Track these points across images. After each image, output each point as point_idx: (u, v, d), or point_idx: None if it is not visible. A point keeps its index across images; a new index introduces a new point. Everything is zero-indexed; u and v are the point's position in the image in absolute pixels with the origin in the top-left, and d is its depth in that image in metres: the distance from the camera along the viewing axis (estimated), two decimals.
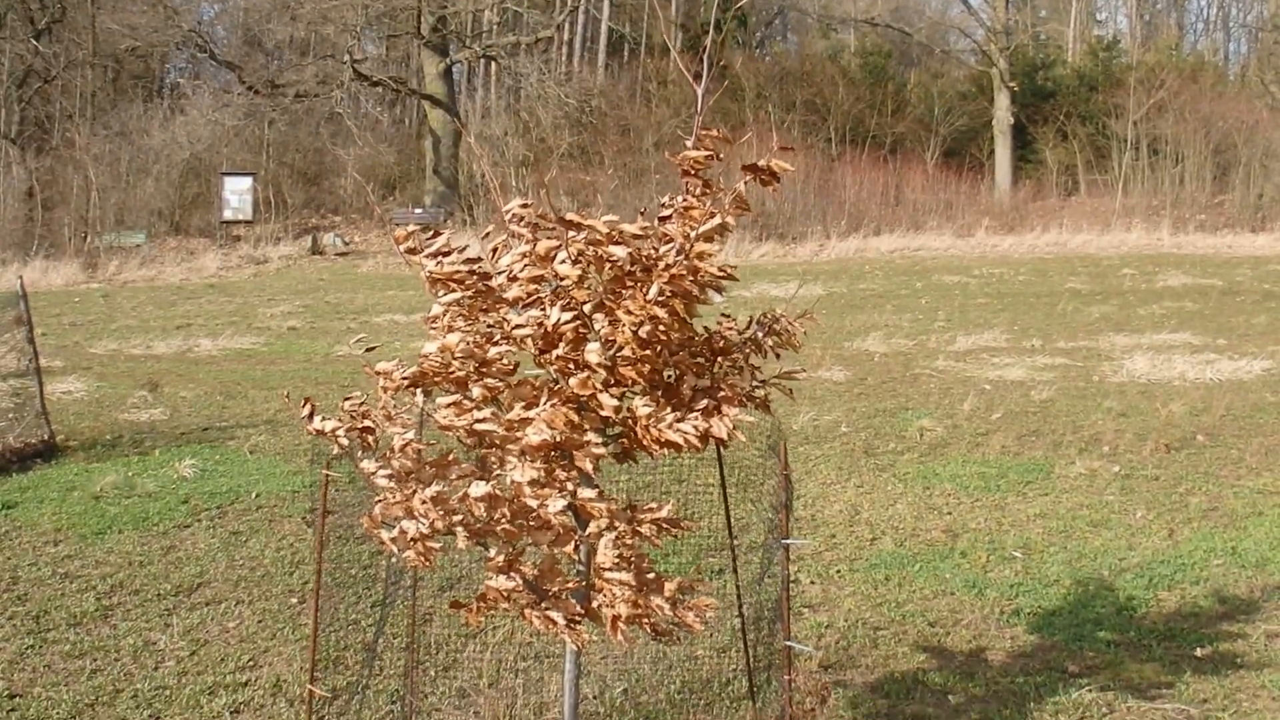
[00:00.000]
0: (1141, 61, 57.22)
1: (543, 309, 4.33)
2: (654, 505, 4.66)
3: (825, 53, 60.30)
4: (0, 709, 6.73)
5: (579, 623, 4.46)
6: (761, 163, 4.40)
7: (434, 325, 4.43)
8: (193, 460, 12.24)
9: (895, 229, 44.37)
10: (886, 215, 45.85)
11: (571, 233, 4.27)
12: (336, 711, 6.61)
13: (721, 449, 5.10)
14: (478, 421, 4.29)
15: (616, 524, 4.48)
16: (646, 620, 4.53)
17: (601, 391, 4.34)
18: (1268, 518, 10.28)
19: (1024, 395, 16.05)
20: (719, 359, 4.71)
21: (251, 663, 7.42)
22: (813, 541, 9.71)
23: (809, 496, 11.05)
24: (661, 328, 4.34)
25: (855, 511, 10.64)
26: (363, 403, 4.53)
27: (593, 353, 4.28)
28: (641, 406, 4.42)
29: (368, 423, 4.48)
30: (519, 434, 4.27)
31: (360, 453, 4.48)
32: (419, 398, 4.49)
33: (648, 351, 4.34)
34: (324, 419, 4.49)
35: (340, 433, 4.45)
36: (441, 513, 4.23)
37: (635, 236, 4.34)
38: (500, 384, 4.38)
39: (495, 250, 4.54)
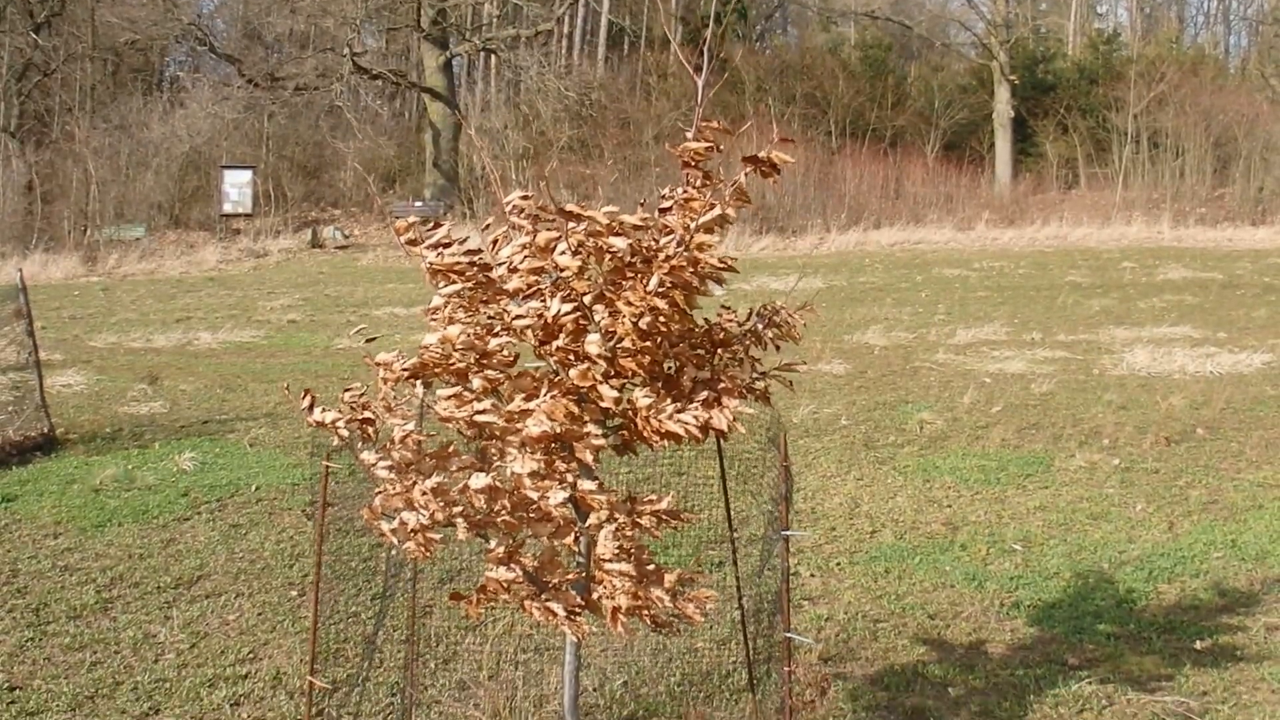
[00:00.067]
0: (1142, 55, 57.19)
1: (543, 300, 4.33)
2: (654, 497, 4.66)
3: (825, 46, 60.27)
4: (0, 701, 6.73)
5: (579, 614, 4.46)
6: (762, 154, 4.40)
7: (434, 317, 4.42)
8: (192, 453, 12.24)
9: (895, 222, 44.35)
10: (887, 208, 45.82)
11: (571, 224, 4.27)
12: (336, 704, 6.61)
13: (721, 441, 5.10)
14: (478, 413, 4.29)
15: (616, 516, 4.48)
16: (646, 612, 4.53)
17: (602, 383, 4.33)
18: (1268, 511, 10.28)
19: (1024, 388, 16.04)
20: (719, 351, 4.71)
21: (251, 655, 7.42)
22: (812, 533, 9.72)
23: (809, 489, 11.05)
24: (661, 319, 4.34)
25: (855, 504, 10.64)
26: (363, 394, 4.52)
27: (593, 344, 4.28)
28: (642, 398, 4.41)
29: (368, 414, 4.47)
30: (519, 425, 4.26)
31: (360, 444, 4.47)
32: (419, 389, 4.49)
33: (648, 343, 4.34)
34: (324, 410, 4.48)
35: (340, 424, 4.44)
36: (442, 504, 4.22)
37: (635, 228, 4.34)
38: (500, 375, 4.38)
39: (495, 242, 4.54)
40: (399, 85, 52.40)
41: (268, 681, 7.02)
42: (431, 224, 4.50)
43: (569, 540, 4.54)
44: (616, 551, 4.41)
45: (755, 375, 4.74)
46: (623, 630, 4.50)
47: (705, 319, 4.72)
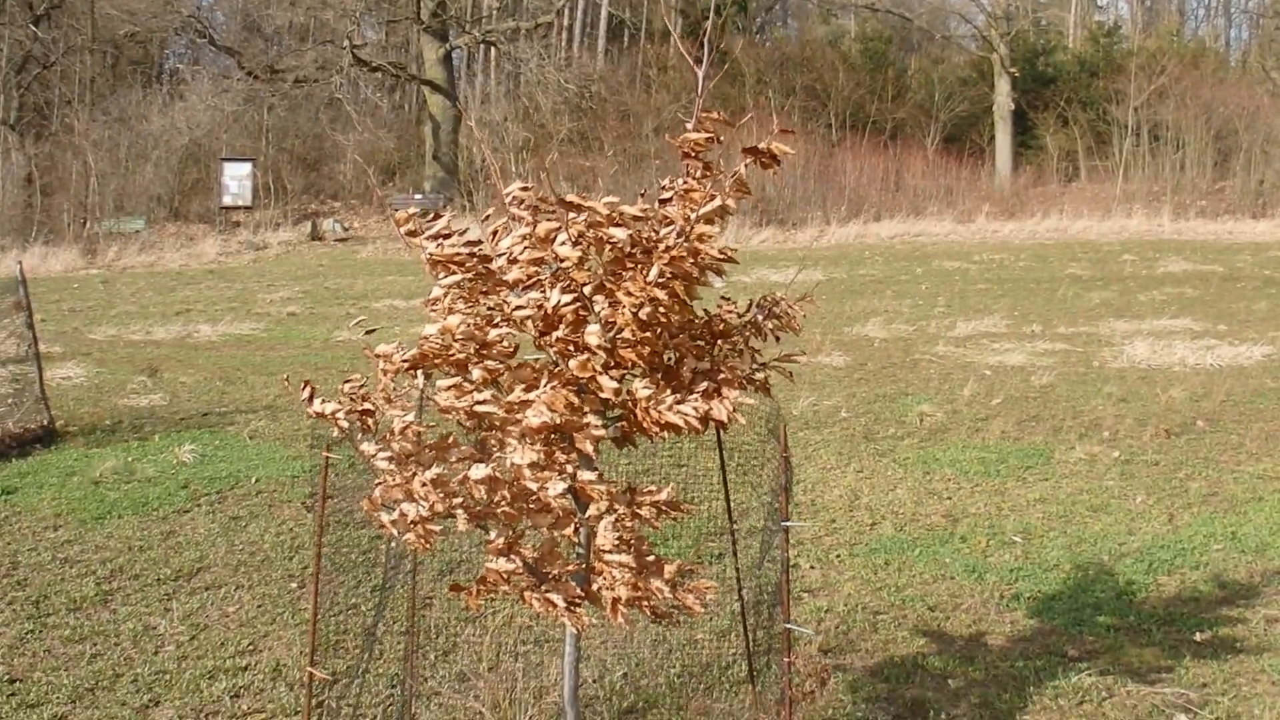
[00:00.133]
0: (1142, 47, 57.13)
1: (543, 291, 4.32)
2: (654, 488, 4.65)
3: (825, 38, 60.24)
4: (0, 693, 6.73)
5: (579, 606, 4.46)
6: (762, 145, 4.39)
7: (434, 308, 4.42)
8: (192, 445, 12.24)
9: (895, 215, 44.33)
10: (887, 201, 45.80)
11: (572, 215, 4.26)
12: (336, 695, 6.61)
13: (721, 432, 5.10)
14: (478, 404, 4.28)
15: (616, 507, 4.47)
16: (646, 603, 4.53)
17: (601, 374, 4.33)
18: (1267, 503, 10.28)
19: (1024, 381, 16.04)
20: (719, 342, 4.70)
21: (251, 647, 7.43)
22: (812, 525, 9.72)
23: (809, 481, 11.05)
24: (661, 310, 4.33)
25: (855, 496, 10.64)
26: (362, 385, 4.52)
27: (593, 335, 4.27)
28: (641, 389, 4.41)
29: (367, 405, 4.47)
30: (519, 416, 4.26)
31: (360, 435, 4.47)
32: (419, 380, 4.48)
33: (648, 334, 4.33)
34: (324, 402, 4.48)
35: (340, 415, 4.44)
36: (441, 495, 4.22)
37: (635, 218, 4.33)
38: (500, 366, 4.37)
39: (495, 233, 4.53)
40: (399, 78, 52.35)
41: (268, 673, 7.02)
42: (431, 216, 4.50)
43: (569, 531, 4.54)
44: (616, 542, 4.40)
45: (755, 366, 4.73)
46: (622, 621, 4.50)
47: (705, 310, 4.72)
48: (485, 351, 4.36)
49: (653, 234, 4.37)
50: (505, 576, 4.41)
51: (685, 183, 4.40)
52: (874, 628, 7.66)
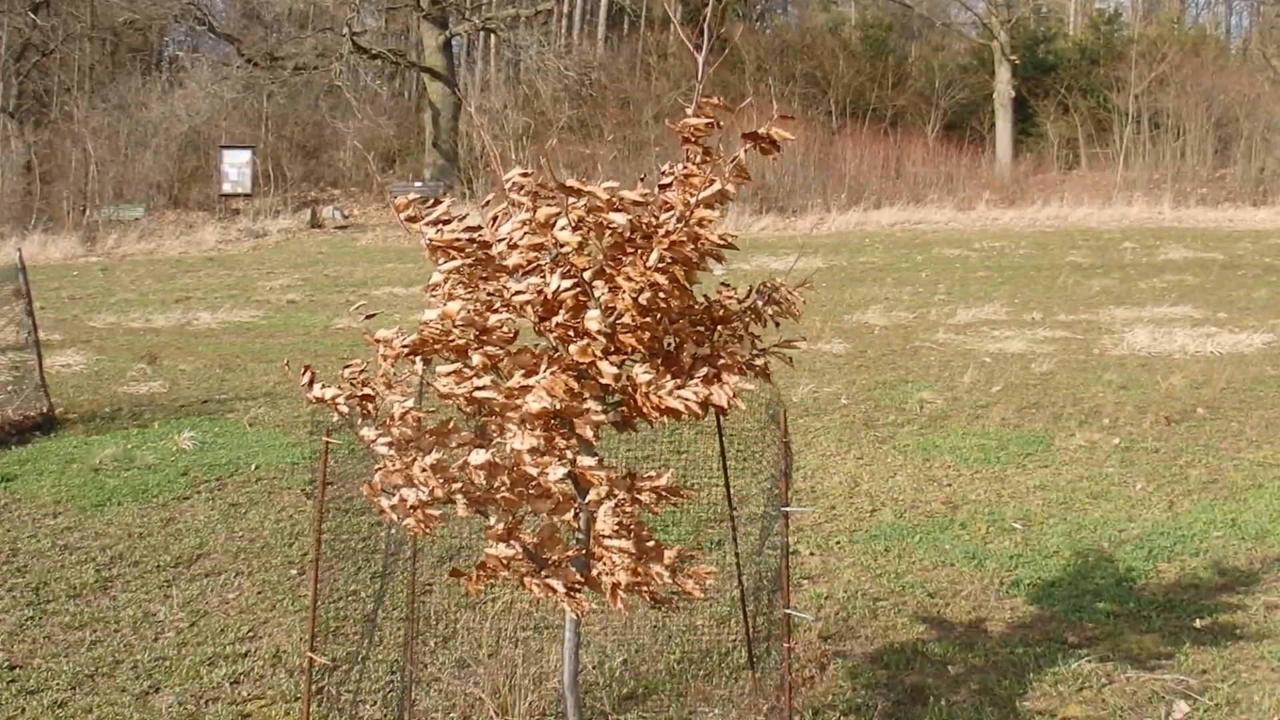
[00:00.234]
0: (1143, 35, 57.04)
1: (543, 276, 4.31)
2: (653, 474, 4.65)
3: (826, 25, 60.14)
4: (0, 680, 6.74)
5: (579, 591, 4.46)
6: (762, 131, 4.38)
7: (434, 293, 4.41)
8: (192, 432, 12.24)
9: (896, 202, 44.28)
10: (887, 188, 45.74)
11: (571, 200, 4.25)
12: (336, 681, 6.62)
13: (721, 418, 5.09)
14: (478, 389, 4.28)
15: (616, 492, 4.47)
16: (646, 588, 4.53)
17: (601, 359, 4.32)
18: (1267, 490, 10.28)
19: (1024, 368, 16.04)
20: (719, 327, 4.70)
21: (251, 634, 7.43)
22: (813, 511, 9.72)
23: (809, 468, 11.05)
24: (661, 295, 4.32)
25: (855, 483, 10.64)
26: (363, 371, 4.52)
27: (593, 320, 4.27)
28: (641, 374, 4.40)
29: (368, 390, 4.46)
30: (519, 401, 4.25)
31: (360, 421, 4.46)
32: (419, 366, 4.48)
33: (648, 319, 4.33)
34: (324, 387, 4.48)
35: (340, 400, 4.44)
36: (441, 480, 4.22)
37: (635, 203, 4.32)
38: (500, 352, 4.37)
39: (495, 218, 4.52)
40: (398, 65, 52.25)
41: (267, 660, 7.02)
42: (431, 202, 4.49)
43: (569, 516, 4.54)
44: (616, 528, 4.40)
45: (755, 352, 4.73)
46: (622, 607, 4.50)
47: (705, 296, 4.71)
48: (485, 337, 4.36)
49: (653, 219, 4.37)
50: (505, 562, 4.41)
51: (685, 168, 4.39)
52: (874, 614, 7.67)
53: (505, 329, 4.38)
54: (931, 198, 45.08)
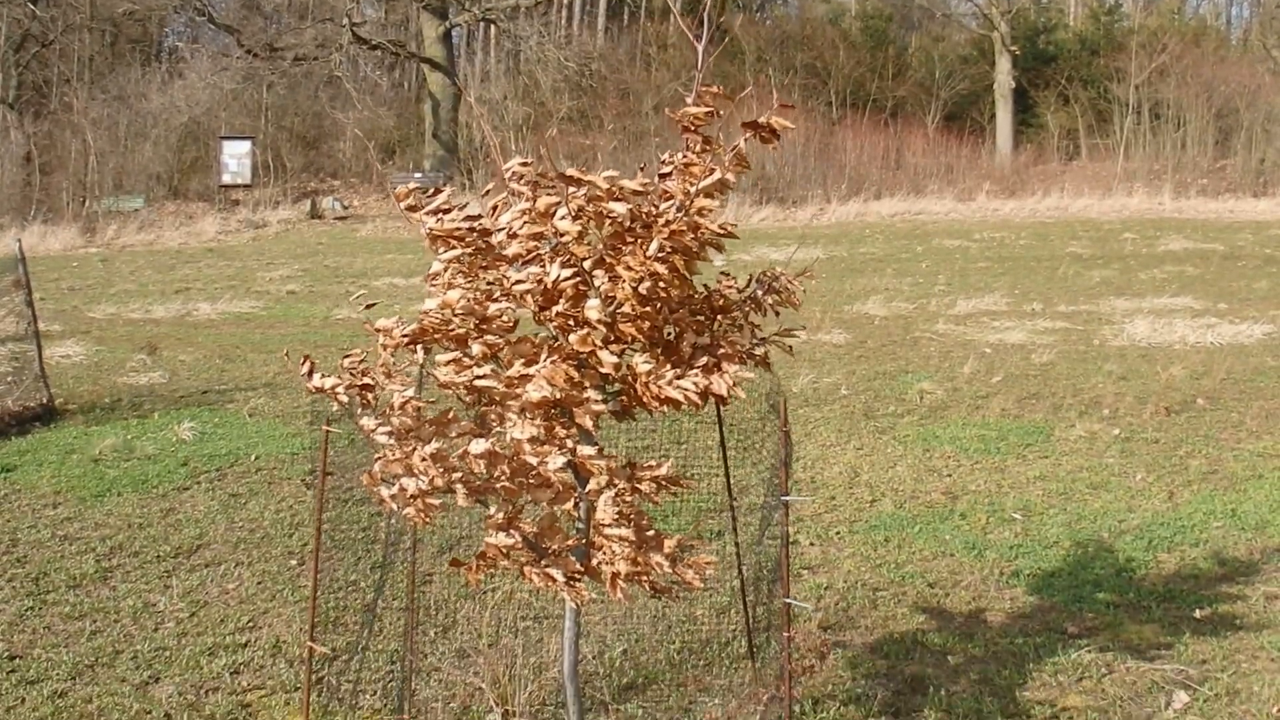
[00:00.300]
0: (1143, 25, 56.97)
1: (542, 265, 4.31)
2: (653, 463, 4.65)
3: (826, 16, 60.02)
4: (0, 670, 6.74)
5: (578, 580, 4.46)
6: (762, 120, 4.37)
7: (434, 282, 4.41)
8: (192, 423, 12.24)
9: (896, 193, 44.25)
10: (887, 179, 45.72)
11: (571, 189, 4.24)
12: (336, 671, 6.62)
13: (721, 408, 5.09)
14: (478, 378, 4.27)
15: (616, 481, 4.47)
16: (646, 577, 4.53)
17: (601, 348, 4.31)
18: (1267, 480, 10.28)
19: (1024, 359, 16.03)
20: (719, 317, 4.69)
21: (251, 624, 7.43)
22: (812, 500, 9.72)
23: (809, 458, 11.05)
24: (661, 284, 4.32)
25: (855, 474, 10.64)
26: (362, 360, 4.51)
27: (593, 309, 4.26)
28: (641, 363, 4.40)
29: (367, 380, 4.46)
30: (519, 391, 4.25)
31: (360, 410, 4.46)
32: (419, 355, 4.47)
33: (648, 308, 4.32)
34: (324, 377, 4.47)
35: (340, 390, 4.43)
36: (441, 470, 4.21)
37: (635, 193, 4.32)
38: (500, 341, 4.36)
39: (495, 208, 4.51)
40: (398, 56, 52.21)
41: (267, 650, 7.03)
42: (431, 191, 4.48)
43: (569, 506, 4.54)
44: (616, 517, 4.40)
45: (755, 341, 4.73)
46: (622, 596, 4.50)
47: (705, 285, 4.71)
48: (485, 326, 4.35)
49: (652, 208, 4.36)
50: (505, 551, 4.40)
51: (685, 157, 4.39)
52: (873, 604, 7.67)
53: (505, 318, 4.38)
54: (932, 188, 45.06)
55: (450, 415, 4.41)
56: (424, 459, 4.21)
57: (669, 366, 4.43)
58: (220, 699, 6.39)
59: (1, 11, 44.65)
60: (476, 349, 4.33)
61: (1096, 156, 51.80)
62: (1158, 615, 7.43)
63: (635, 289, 4.25)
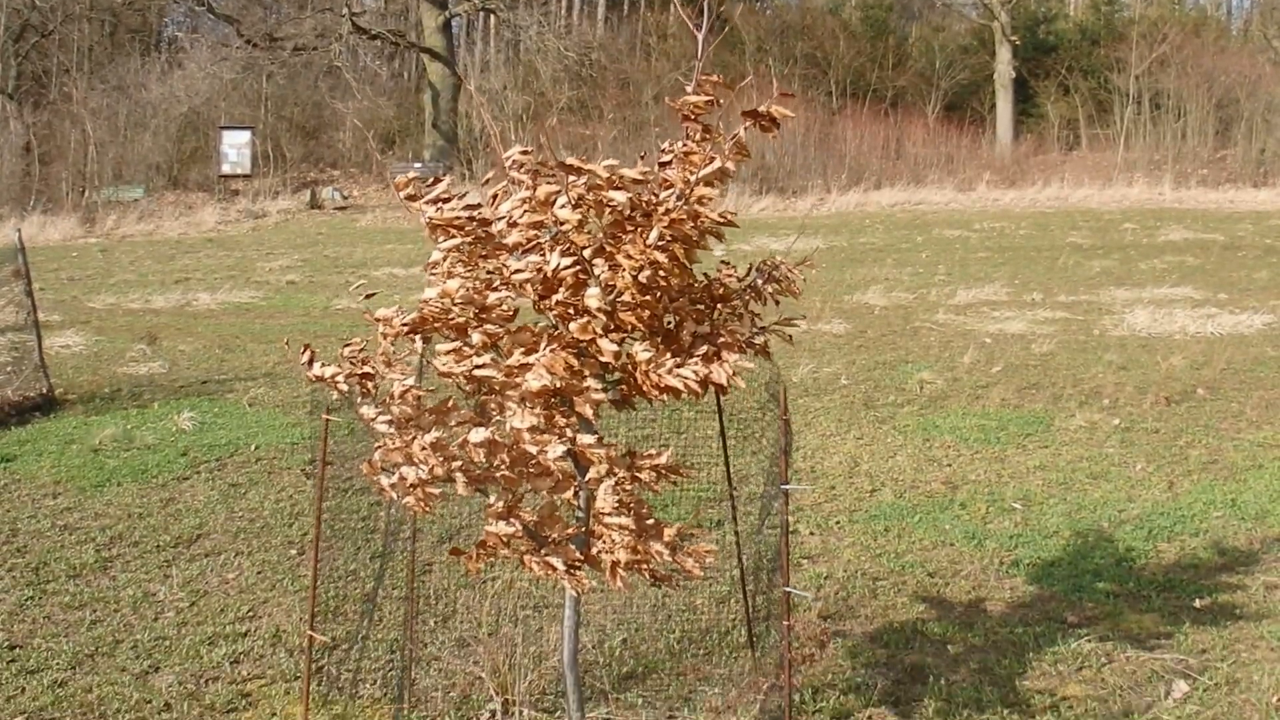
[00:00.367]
0: (1144, 15, 56.94)
1: (542, 254, 4.30)
2: (653, 452, 4.64)
3: (826, 6, 59.96)
4: (0, 660, 6.74)
5: (578, 568, 4.46)
6: (762, 108, 4.36)
7: (434, 271, 4.40)
8: (191, 413, 12.23)
9: (896, 183, 44.25)
10: (887, 169, 45.72)
11: (571, 178, 4.24)
12: (336, 661, 6.62)
13: (721, 397, 5.09)
14: (477, 368, 4.27)
15: (616, 470, 4.46)
16: (646, 566, 4.53)
17: (601, 337, 4.31)
18: (1267, 470, 10.28)
19: (1024, 348, 16.03)
20: (719, 306, 4.69)
21: (251, 613, 7.43)
22: (812, 489, 9.72)
23: (808, 448, 11.05)
24: (661, 273, 4.31)
25: (855, 463, 10.64)
26: (362, 349, 4.51)
27: (592, 298, 4.26)
28: (641, 352, 4.39)
29: (367, 369, 4.45)
30: (518, 380, 4.24)
31: (360, 399, 4.46)
32: (418, 344, 4.47)
33: (648, 297, 4.32)
34: (323, 366, 4.47)
35: (340, 379, 4.43)
36: (441, 459, 4.21)
37: (635, 181, 4.31)
38: (500, 330, 4.36)
39: (495, 197, 4.51)
40: (398, 45, 52.13)
41: (267, 639, 7.03)
42: (431, 181, 4.48)
43: (568, 495, 4.54)
44: (616, 506, 4.40)
45: (755, 330, 4.72)
46: (622, 585, 4.50)
47: (705, 274, 4.70)
48: (485, 315, 4.34)
49: (652, 197, 4.35)
50: (505, 540, 4.40)
51: (685, 145, 4.38)
52: (873, 593, 7.67)
53: (505, 307, 4.37)
54: (932, 178, 45.05)
55: (450, 404, 4.41)
56: (424, 448, 4.21)
57: (669, 355, 4.42)
58: (220, 688, 6.40)
59: (1, 1, 44.58)
60: (476, 338, 4.32)
61: (1097, 146, 51.80)
62: (1157, 605, 7.43)
63: (635, 277, 4.25)
